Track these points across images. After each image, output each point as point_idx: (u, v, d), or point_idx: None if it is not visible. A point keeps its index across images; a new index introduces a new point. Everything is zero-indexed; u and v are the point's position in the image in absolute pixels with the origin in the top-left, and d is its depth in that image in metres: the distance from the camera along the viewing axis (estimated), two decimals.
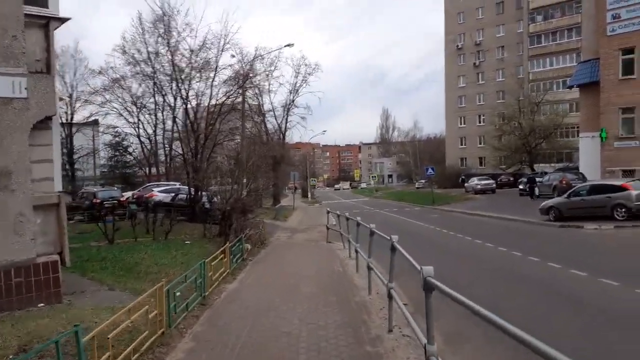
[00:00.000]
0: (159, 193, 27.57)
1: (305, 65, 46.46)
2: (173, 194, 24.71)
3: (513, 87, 58.80)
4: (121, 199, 24.31)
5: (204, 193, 20.43)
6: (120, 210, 22.42)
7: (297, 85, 43.41)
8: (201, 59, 22.78)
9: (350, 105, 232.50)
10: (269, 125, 43.28)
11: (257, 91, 38.83)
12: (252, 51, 39.27)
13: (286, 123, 43.80)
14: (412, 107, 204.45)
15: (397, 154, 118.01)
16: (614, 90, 29.91)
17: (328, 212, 17.92)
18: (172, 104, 26.06)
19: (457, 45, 69.26)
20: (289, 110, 43.24)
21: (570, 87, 39.17)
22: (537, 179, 34.41)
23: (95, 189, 25.67)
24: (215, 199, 17.39)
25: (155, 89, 29.71)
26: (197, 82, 22.67)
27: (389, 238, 5.97)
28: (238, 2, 49.62)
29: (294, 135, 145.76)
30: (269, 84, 39.75)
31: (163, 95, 28.71)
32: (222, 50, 22.86)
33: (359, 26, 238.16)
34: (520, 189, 34.94)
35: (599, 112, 32.01)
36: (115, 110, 35.65)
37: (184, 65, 22.78)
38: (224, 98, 22.81)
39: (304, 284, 9.21)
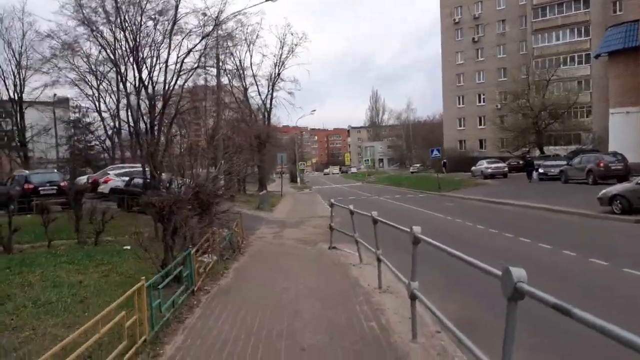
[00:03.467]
0: (115, 177, 22.80)
1: (292, 34, 43.60)
2: (128, 179, 19.71)
3: (516, 64, 54.40)
4: (62, 185, 19.14)
5: (164, 177, 15.38)
6: (62, 198, 17.37)
7: (283, 57, 37.83)
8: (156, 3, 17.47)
9: (337, 90, 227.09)
10: (252, 102, 37.77)
11: (237, 63, 33.44)
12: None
13: (271, 99, 38.23)
14: (404, 90, 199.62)
15: (388, 137, 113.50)
16: None
17: (332, 206, 12.08)
18: (132, 70, 20.78)
19: (454, 20, 64.56)
20: (274, 85, 37.64)
21: (597, 56, 34.70)
22: (538, 163, 32.31)
23: (27, 172, 20.45)
24: (174, 185, 12.16)
25: (117, 56, 24.31)
26: (147, 27, 17.35)
27: None
28: None
29: (281, 117, 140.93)
30: (250, 47, 34.01)
31: (125, 63, 23.35)
32: None
33: (346, 7, 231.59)
34: (540, 173, 30.63)
35: (636, 82, 27.58)
36: (68, 79, 30.25)
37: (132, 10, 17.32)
38: (186, 53, 17.33)
39: None
